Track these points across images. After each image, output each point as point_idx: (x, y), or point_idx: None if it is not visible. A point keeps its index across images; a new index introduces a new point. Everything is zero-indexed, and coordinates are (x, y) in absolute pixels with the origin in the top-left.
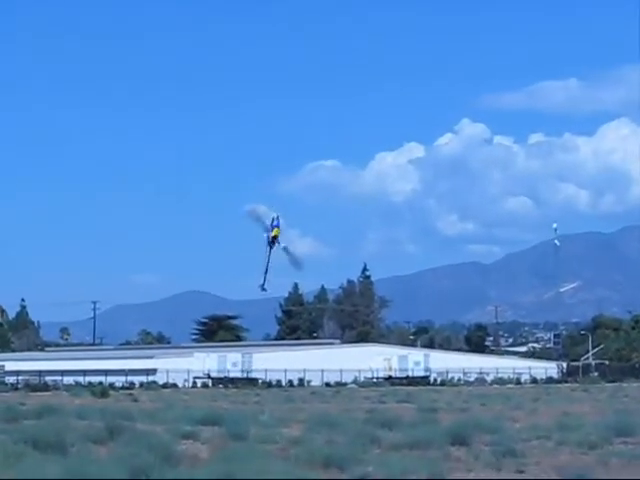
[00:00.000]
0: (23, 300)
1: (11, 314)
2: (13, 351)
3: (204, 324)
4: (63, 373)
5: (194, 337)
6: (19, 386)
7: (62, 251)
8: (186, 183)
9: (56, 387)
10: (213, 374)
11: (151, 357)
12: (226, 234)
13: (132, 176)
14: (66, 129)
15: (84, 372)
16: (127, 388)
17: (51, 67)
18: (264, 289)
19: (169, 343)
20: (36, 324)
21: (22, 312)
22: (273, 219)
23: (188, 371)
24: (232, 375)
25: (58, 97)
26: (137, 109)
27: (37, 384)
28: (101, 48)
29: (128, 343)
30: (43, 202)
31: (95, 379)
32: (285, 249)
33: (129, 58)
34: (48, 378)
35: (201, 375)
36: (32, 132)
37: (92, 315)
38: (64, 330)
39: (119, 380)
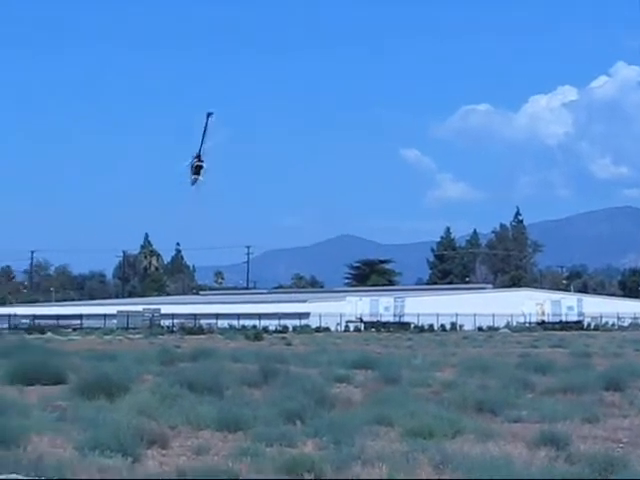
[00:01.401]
0: (178, 244)
1: (166, 258)
2: (168, 295)
3: (356, 268)
4: (217, 316)
5: (346, 281)
6: (174, 329)
7: (216, 195)
8: (339, 128)
9: (210, 330)
10: (365, 318)
11: (304, 301)
12: (380, 178)
13: (287, 118)
14: None
15: (238, 316)
16: (280, 332)
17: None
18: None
19: (322, 287)
20: (191, 268)
21: (177, 256)
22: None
23: (340, 315)
24: (384, 319)
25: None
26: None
27: (192, 327)
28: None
29: (281, 287)
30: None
31: (249, 322)
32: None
33: None
34: (203, 321)
35: (353, 319)
36: None
37: (246, 259)
38: (218, 274)
39: (272, 324)
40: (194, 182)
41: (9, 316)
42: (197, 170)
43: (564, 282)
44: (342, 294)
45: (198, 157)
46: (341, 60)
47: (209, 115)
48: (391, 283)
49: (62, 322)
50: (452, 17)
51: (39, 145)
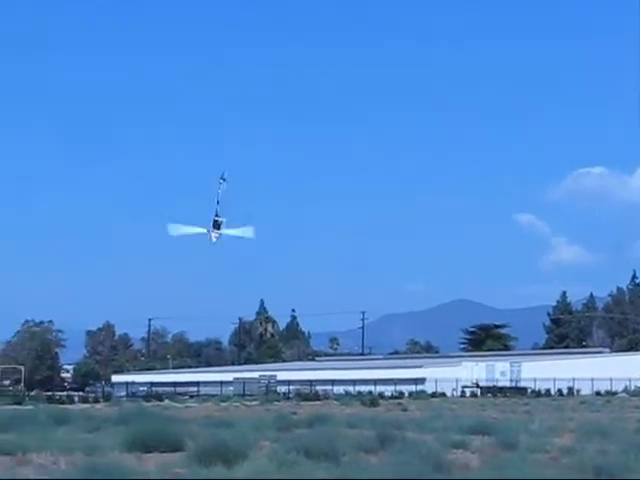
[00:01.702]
0: (293, 311)
1: (282, 325)
2: (284, 361)
3: (472, 333)
4: (333, 382)
5: (462, 346)
6: (290, 395)
7: (331, 261)
8: (453, 192)
9: (326, 396)
10: (481, 383)
11: (419, 366)
12: (494, 243)
13: (400, 183)
14: None
15: (353, 382)
16: (396, 397)
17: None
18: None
19: (437, 352)
20: (306, 334)
21: (292, 322)
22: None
23: (456, 380)
24: (501, 384)
25: None
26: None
27: (308, 393)
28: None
29: (396, 352)
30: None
31: (364, 388)
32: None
33: None
34: (318, 387)
35: (469, 384)
36: None
37: (361, 325)
38: (333, 340)
39: (388, 389)
40: (216, 238)
41: (127, 384)
42: (217, 225)
43: None
44: (458, 359)
45: (216, 215)
46: (458, 125)
47: (222, 179)
48: (507, 348)
49: (179, 389)
50: (566, 84)
51: (144, 215)
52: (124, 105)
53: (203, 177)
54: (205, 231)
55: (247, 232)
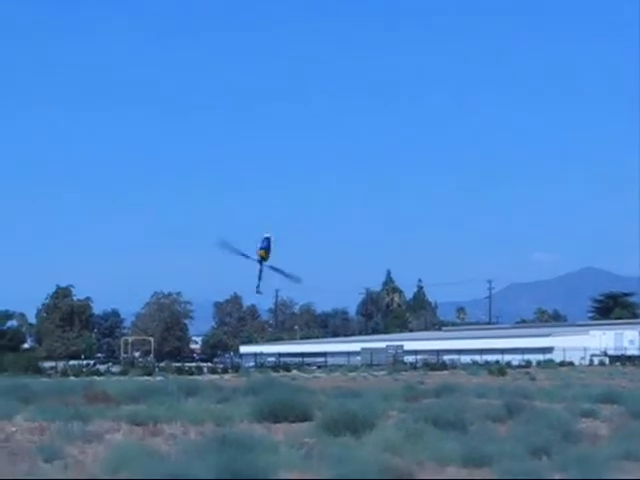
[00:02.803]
0: (420, 281)
1: (408, 295)
2: (411, 331)
3: (600, 301)
4: (460, 352)
5: (590, 315)
6: (417, 365)
7: (457, 230)
8: (580, 162)
9: (453, 366)
10: (610, 352)
11: (547, 335)
12: (621, 209)
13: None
14: None
15: (481, 351)
16: (523, 366)
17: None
18: (259, 292)
19: (565, 321)
20: (433, 304)
21: (419, 292)
22: (263, 240)
23: (584, 349)
24: (629, 353)
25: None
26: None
27: (435, 363)
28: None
29: (524, 322)
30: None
31: (491, 358)
32: (273, 268)
33: None
34: (445, 357)
35: (598, 353)
36: None
37: (488, 294)
38: (460, 310)
39: (515, 358)
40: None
41: (255, 354)
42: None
43: None
44: (586, 328)
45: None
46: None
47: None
48: (635, 316)
49: (307, 360)
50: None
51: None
52: None
53: None
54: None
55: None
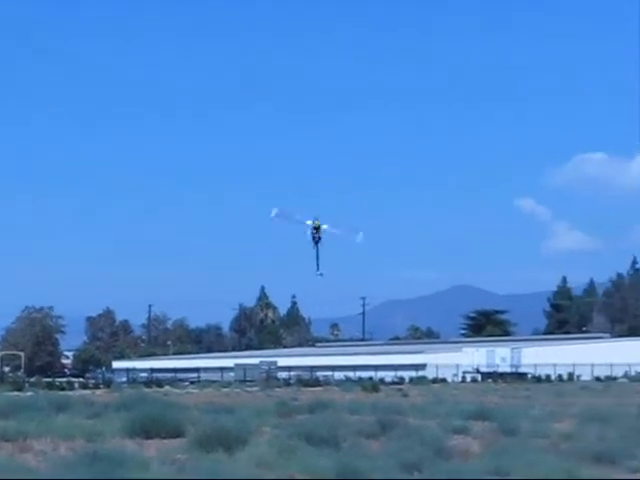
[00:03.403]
0: (294, 297)
1: (282, 311)
2: (285, 347)
3: (472, 319)
4: (334, 368)
5: (462, 332)
6: (291, 381)
7: (331, 247)
8: (454, 179)
9: (327, 382)
10: (482, 369)
11: (420, 352)
12: (494, 228)
13: (400, 168)
14: None
15: (354, 367)
16: (397, 383)
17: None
18: (320, 274)
19: (438, 338)
20: (307, 320)
21: (293, 308)
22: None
23: (457, 366)
24: (501, 370)
25: None
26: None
27: (308, 379)
28: None
29: (397, 338)
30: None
31: (365, 374)
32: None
33: None
34: (319, 373)
35: (470, 370)
36: None
37: (361, 311)
38: (334, 326)
39: (389, 375)
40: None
41: (127, 370)
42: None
43: None
44: (458, 345)
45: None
46: (451, 109)
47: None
48: (507, 333)
49: (180, 375)
50: (563, 65)
51: (152, 203)
52: None
53: None
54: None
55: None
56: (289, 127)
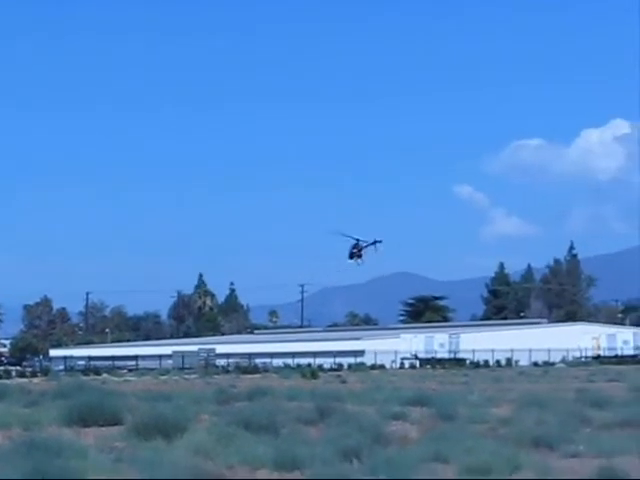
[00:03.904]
0: (232, 284)
1: (220, 298)
2: (223, 334)
3: (411, 305)
4: (272, 355)
5: (401, 318)
6: (229, 369)
7: (269, 234)
8: (393, 167)
9: (265, 369)
10: (420, 355)
11: (358, 339)
12: (433, 214)
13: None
14: None
15: (293, 354)
16: (335, 370)
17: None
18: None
19: (376, 324)
20: (245, 307)
21: (231, 296)
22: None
23: (395, 352)
24: (439, 356)
25: None
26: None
27: (247, 366)
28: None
29: (335, 325)
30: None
31: (303, 361)
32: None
33: None
34: (258, 360)
35: (408, 356)
36: None
37: (300, 298)
38: (272, 313)
39: (327, 362)
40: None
41: (65, 358)
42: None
43: (619, 316)
44: (397, 331)
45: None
46: (387, 104)
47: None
48: (445, 320)
49: (118, 363)
50: (500, 53)
51: (98, 191)
52: None
53: None
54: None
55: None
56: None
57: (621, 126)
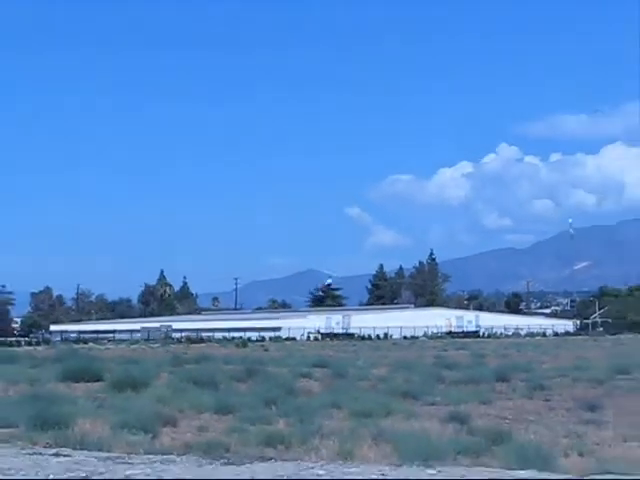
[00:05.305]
0: (185, 277)
1: (176, 287)
2: (178, 314)
3: (315, 294)
4: (214, 330)
5: (308, 304)
6: (182, 340)
7: (215, 236)
8: (304, 195)
9: (209, 340)
10: (322, 331)
11: (277, 318)
12: (333, 227)
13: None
14: None
15: (229, 329)
16: (260, 341)
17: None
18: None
19: (290, 308)
20: (194, 295)
21: (184, 286)
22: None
23: (304, 328)
24: (335, 331)
25: None
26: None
27: (195, 338)
28: None
29: (260, 309)
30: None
31: (237, 334)
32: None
33: None
34: (203, 334)
35: (313, 331)
36: None
37: (234, 288)
38: (215, 299)
39: (254, 335)
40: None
41: (61, 332)
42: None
43: (465, 303)
44: (305, 313)
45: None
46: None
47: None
48: (340, 305)
49: (100, 336)
50: (380, 98)
51: (63, 190)
52: None
53: None
54: None
55: None
56: None
57: (466, 166)
